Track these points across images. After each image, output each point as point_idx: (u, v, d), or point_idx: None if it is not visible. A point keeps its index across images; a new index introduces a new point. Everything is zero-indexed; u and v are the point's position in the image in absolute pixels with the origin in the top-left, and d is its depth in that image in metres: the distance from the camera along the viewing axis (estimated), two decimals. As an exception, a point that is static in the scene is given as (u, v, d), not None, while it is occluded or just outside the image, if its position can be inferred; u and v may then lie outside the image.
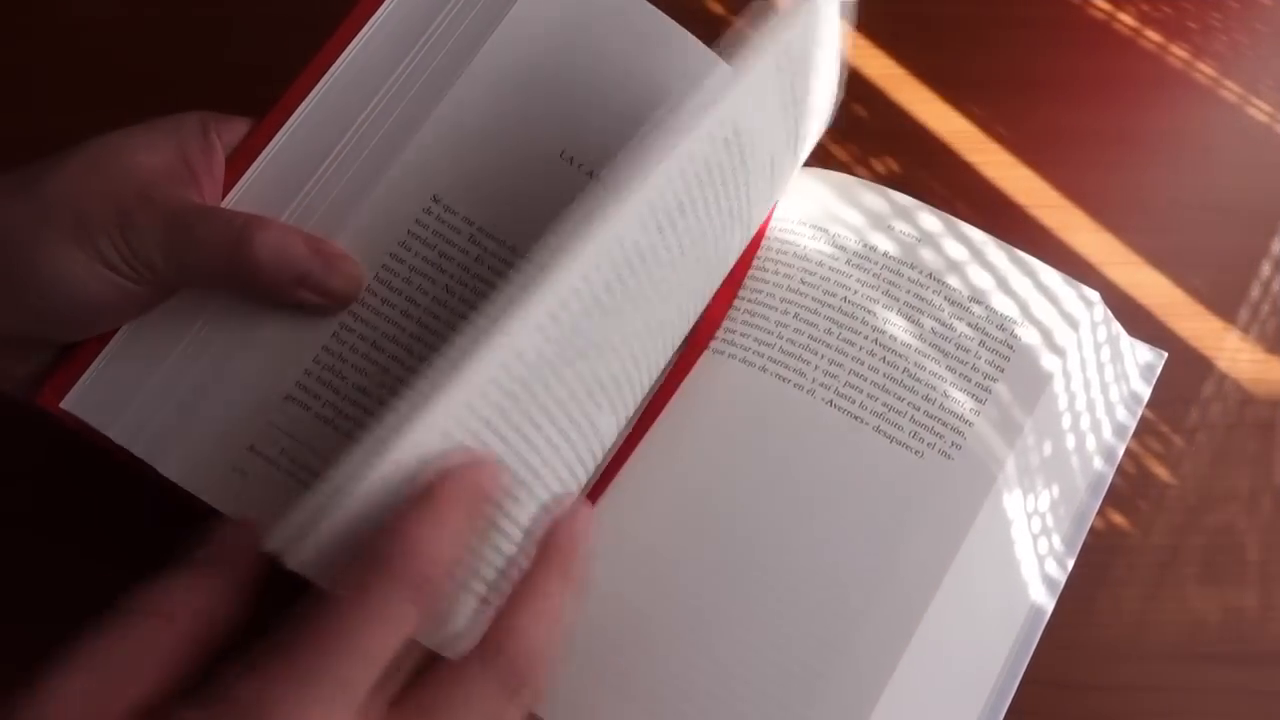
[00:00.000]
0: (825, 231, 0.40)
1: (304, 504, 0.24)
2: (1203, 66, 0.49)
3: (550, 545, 0.29)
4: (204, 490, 0.32)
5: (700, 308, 0.37)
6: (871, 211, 0.40)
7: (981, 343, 0.38)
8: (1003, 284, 0.39)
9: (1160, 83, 0.49)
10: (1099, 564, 0.40)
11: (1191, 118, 0.48)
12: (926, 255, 0.39)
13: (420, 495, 0.25)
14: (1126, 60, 0.49)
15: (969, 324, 0.38)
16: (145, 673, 0.24)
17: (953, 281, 0.38)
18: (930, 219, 0.39)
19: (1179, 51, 0.49)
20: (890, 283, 0.38)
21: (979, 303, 0.38)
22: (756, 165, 0.34)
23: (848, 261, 0.39)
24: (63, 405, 0.33)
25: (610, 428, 0.34)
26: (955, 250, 0.39)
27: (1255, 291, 0.45)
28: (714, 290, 0.37)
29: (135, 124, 0.33)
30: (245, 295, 0.33)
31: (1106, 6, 0.50)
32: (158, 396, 0.33)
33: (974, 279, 0.39)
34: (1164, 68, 0.49)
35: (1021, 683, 0.35)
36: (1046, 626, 0.36)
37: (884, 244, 0.39)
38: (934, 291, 0.38)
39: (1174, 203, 0.46)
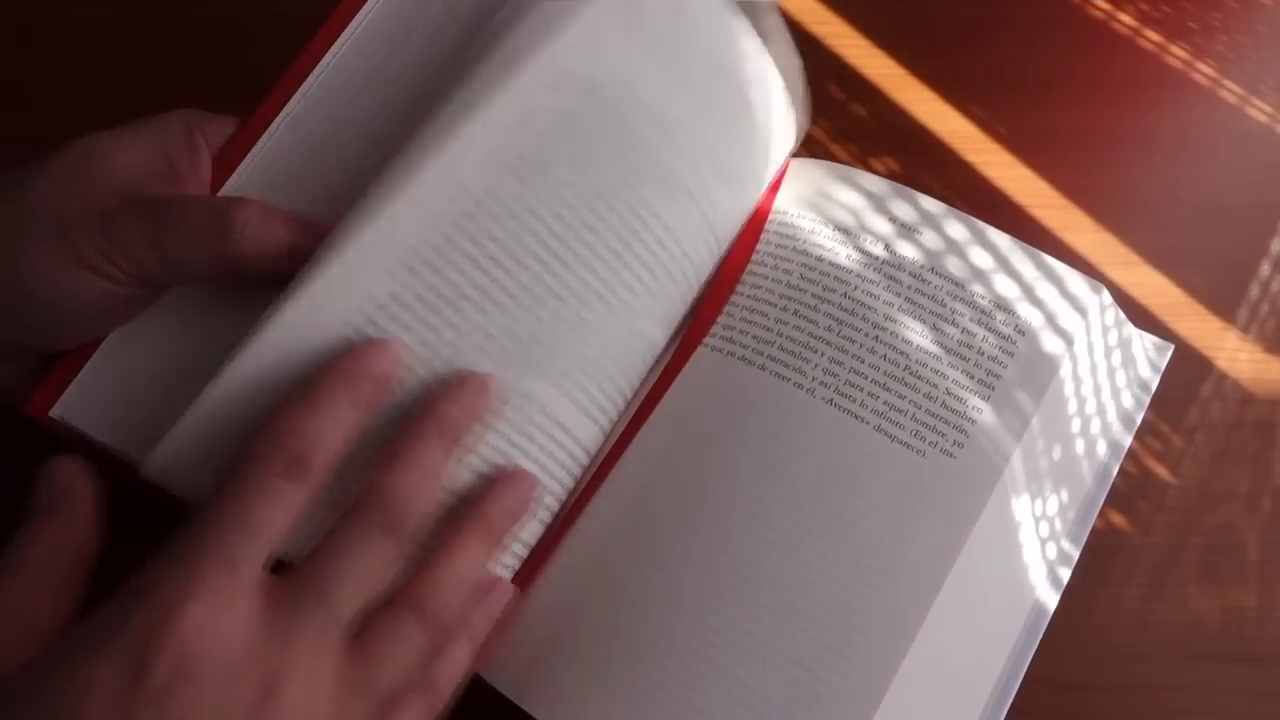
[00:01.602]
0: (824, 226, 0.40)
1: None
2: (1203, 67, 0.49)
3: (428, 407, 0.31)
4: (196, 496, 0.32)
5: (659, 285, 0.36)
6: (868, 198, 0.40)
7: (987, 327, 0.37)
8: (1006, 267, 0.38)
9: (1160, 83, 0.49)
10: (1099, 564, 0.40)
11: (1191, 118, 0.48)
12: (926, 242, 0.39)
13: (306, 385, 0.29)
14: (1126, 60, 0.49)
15: (973, 308, 0.37)
16: (38, 614, 0.27)
17: (953, 267, 0.38)
18: (929, 203, 0.39)
19: (1179, 51, 0.49)
20: (891, 277, 0.38)
21: (982, 285, 0.38)
22: (664, 133, 0.35)
23: (847, 257, 0.39)
24: (51, 413, 0.32)
25: (542, 392, 0.34)
26: (956, 232, 0.39)
27: (1255, 291, 0.45)
28: (679, 269, 0.37)
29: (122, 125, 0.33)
30: (234, 278, 0.32)
31: (1106, 6, 0.50)
32: (148, 399, 0.32)
33: (975, 261, 0.38)
34: (1164, 68, 0.49)
35: (1023, 682, 0.35)
36: (1047, 626, 0.36)
37: (882, 228, 0.39)
38: (935, 277, 0.38)
39: (1174, 203, 0.46)
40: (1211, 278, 0.45)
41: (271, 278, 0.32)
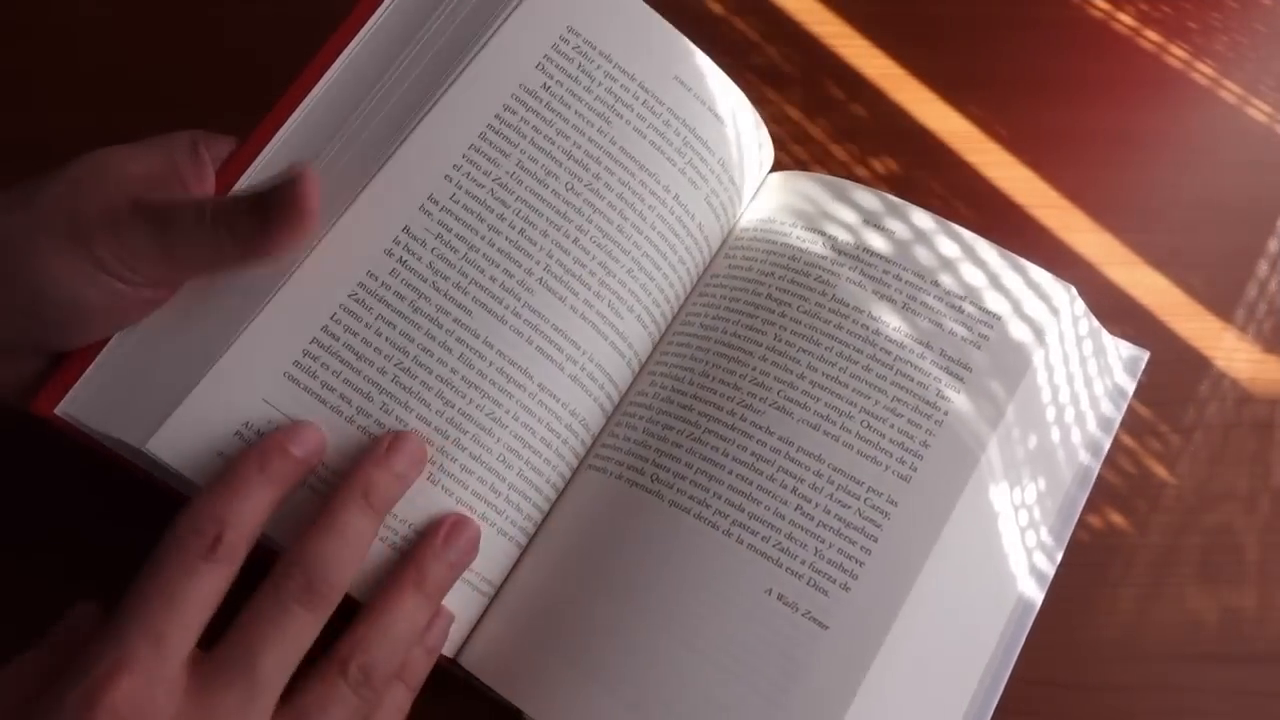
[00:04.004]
0: (794, 227, 0.40)
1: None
2: (1202, 66, 0.49)
3: (356, 468, 0.32)
4: (202, 480, 0.32)
5: (649, 280, 0.38)
6: (846, 202, 0.40)
7: (959, 322, 0.38)
8: (977, 262, 0.39)
9: (1160, 83, 0.49)
10: (1097, 563, 0.40)
11: (1191, 118, 0.48)
12: (894, 234, 0.39)
13: (224, 468, 0.31)
14: (1126, 60, 0.49)
15: (942, 299, 0.38)
16: None
17: (921, 259, 0.39)
18: (894, 200, 0.40)
19: (1178, 51, 0.49)
20: (862, 271, 0.39)
21: (950, 275, 0.38)
22: (624, 137, 0.37)
23: (818, 254, 0.39)
24: (57, 410, 0.33)
25: (528, 354, 0.35)
26: (923, 224, 0.39)
27: (1253, 291, 0.45)
28: (669, 258, 0.38)
29: (128, 139, 0.34)
30: (239, 295, 0.33)
31: (1106, 6, 0.50)
32: (151, 395, 0.33)
33: (943, 252, 0.39)
34: (1164, 68, 0.49)
35: (1020, 682, 0.36)
36: (1044, 626, 0.36)
37: (850, 219, 0.40)
38: (904, 270, 0.38)
39: (1173, 203, 0.46)
40: (1210, 277, 0.45)
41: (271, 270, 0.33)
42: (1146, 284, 0.45)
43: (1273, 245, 0.46)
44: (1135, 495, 0.41)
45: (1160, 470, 0.42)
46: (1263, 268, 0.45)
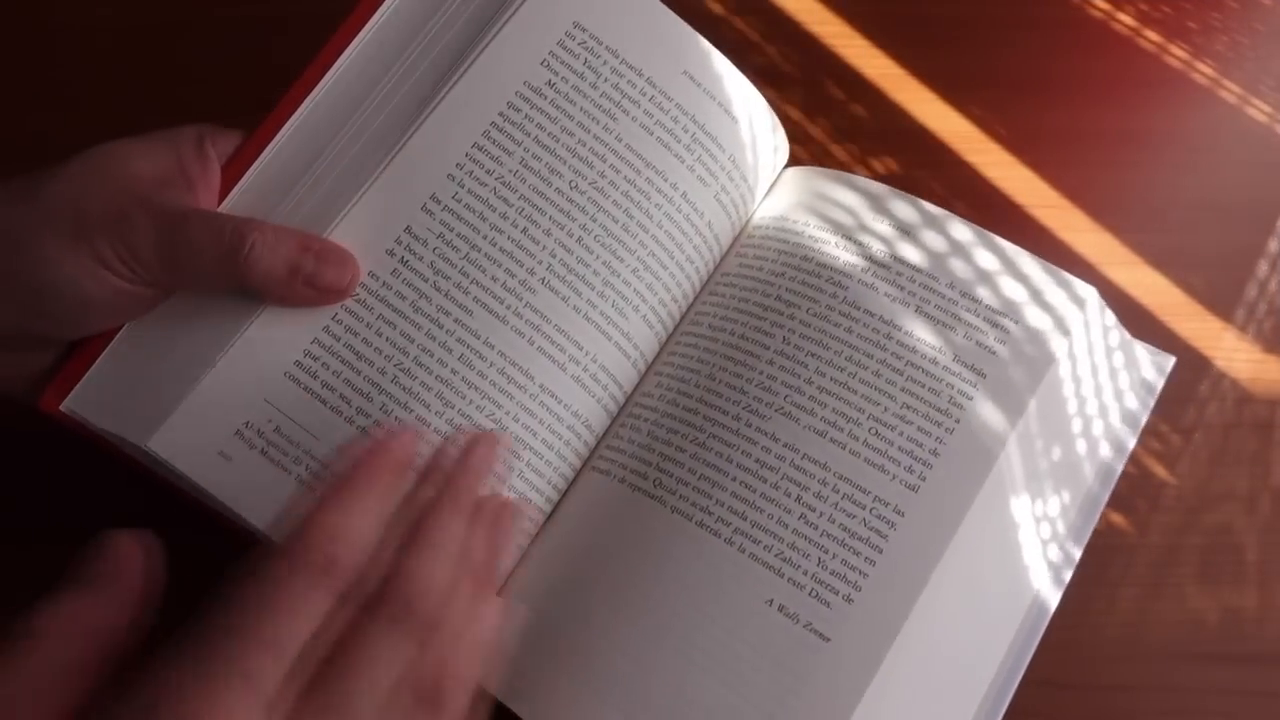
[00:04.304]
0: (807, 227, 0.40)
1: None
2: (1202, 66, 0.49)
3: (444, 489, 0.30)
4: (202, 477, 0.33)
5: (656, 280, 0.38)
6: (865, 198, 0.40)
7: (975, 325, 0.37)
8: (1008, 265, 0.39)
9: (1160, 83, 0.49)
10: (1097, 563, 0.40)
11: (1191, 118, 0.48)
12: (923, 239, 0.39)
13: (334, 481, 0.28)
14: (1126, 60, 0.49)
15: (960, 305, 0.38)
16: (47, 696, 0.24)
17: (955, 267, 0.38)
18: (926, 205, 0.40)
19: (1178, 51, 0.49)
20: (879, 275, 0.38)
21: (967, 275, 0.38)
22: (630, 134, 0.37)
23: (832, 255, 0.39)
24: (62, 407, 0.33)
25: (529, 355, 0.35)
26: (954, 230, 0.39)
27: (1252, 291, 0.45)
28: (676, 259, 0.38)
29: (133, 135, 0.34)
30: (242, 294, 0.33)
31: (1106, 6, 0.50)
32: (155, 389, 0.33)
33: (980, 262, 0.38)
34: (1163, 68, 0.49)
35: (1019, 682, 0.35)
36: (1045, 626, 0.36)
37: (880, 228, 0.39)
38: (921, 273, 0.38)
39: (1173, 203, 0.46)
40: (1210, 277, 0.45)
41: (278, 299, 0.33)
42: (1146, 284, 0.45)
43: (1273, 245, 0.46)
44: (1135, 495, 0.41)
45: (1160, 470, 0.42)
46: (1263, 268, 0.45)
